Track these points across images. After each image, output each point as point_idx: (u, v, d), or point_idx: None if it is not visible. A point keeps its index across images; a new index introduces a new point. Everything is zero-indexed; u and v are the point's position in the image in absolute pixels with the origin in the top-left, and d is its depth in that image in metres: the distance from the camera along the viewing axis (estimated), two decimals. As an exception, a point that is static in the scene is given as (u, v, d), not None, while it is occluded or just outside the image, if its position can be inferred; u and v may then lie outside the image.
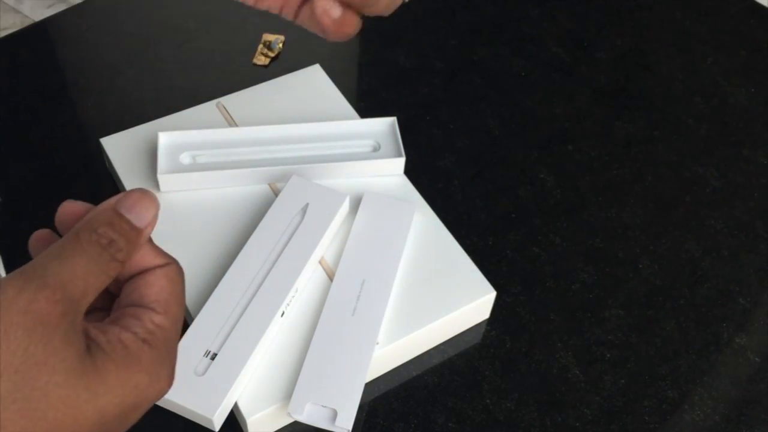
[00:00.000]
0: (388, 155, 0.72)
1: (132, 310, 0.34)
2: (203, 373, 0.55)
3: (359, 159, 0.71)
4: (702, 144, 0.83)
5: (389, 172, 0.72)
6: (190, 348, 0.56)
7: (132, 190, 0.35)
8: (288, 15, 0.41)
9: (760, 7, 0.99)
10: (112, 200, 0.35)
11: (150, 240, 0.36)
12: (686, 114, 0.86)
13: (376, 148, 0.73)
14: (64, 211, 0.37)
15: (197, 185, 0.69)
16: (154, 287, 0.35)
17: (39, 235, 0.38)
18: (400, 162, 0.72)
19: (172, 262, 0.36)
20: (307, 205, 0.66)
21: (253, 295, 0.60)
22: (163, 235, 0.66)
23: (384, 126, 0.74)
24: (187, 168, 0.70)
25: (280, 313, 0.60)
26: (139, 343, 0.33)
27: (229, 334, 0.57)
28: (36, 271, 0.30)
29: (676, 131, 0.84)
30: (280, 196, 0.67)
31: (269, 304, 0.59)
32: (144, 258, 0.36)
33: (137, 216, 0.34)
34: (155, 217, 0.34)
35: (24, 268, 0.30)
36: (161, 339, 0.34)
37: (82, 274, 0.31)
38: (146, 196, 0.34)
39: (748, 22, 0.97)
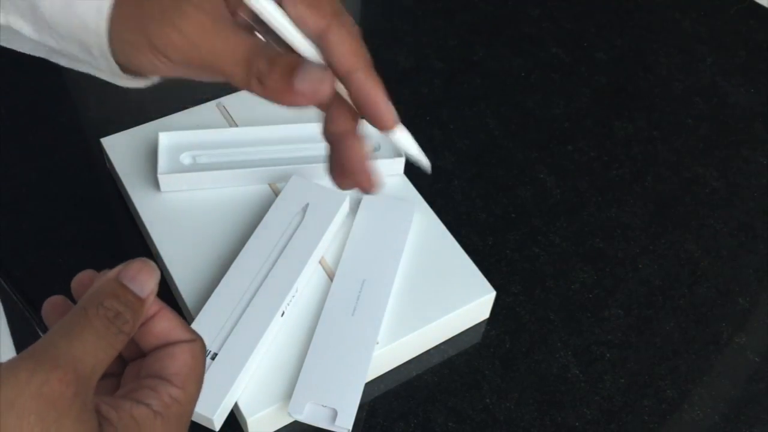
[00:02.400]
0: (388, 155, 0.72)
1: (150, 382, 0.34)
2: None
3: None
4: (702, 144, 0.83)
5: (389, 172, 0.72)
6: None
7: (132, 261, 0.34)
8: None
9: (760, 7, 0.99)
10: (114, 272, 0.34)
11: (176, 315, 0.36)
12: (686, 114, 0.86)
13: (376, 149, 0.73)
14: (79, 281, 0.37)
15: (197, 185, 0.69)
16: (177, 361, 0.35)
17: (52, 301, 0.37)
18: (400, 162, 0.72)
19: (197, 339, 0.36)
20: (307, 205, 0.66)
21: (253, 295, 0.60)
22: (164, 235, 0.67)
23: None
24: (188, 168, 0.70)
25: (280, 313, 0.60)
26: (151, 416, 0.33)
27: (229, 334, 0.57)
28: (47, 351, 0.30)
29: (675, 131, 0.84)
30: (281, 196, 0.67)
31: (269, 304, 0.59)
32: (171, 331, 0.36)
33: (140, 286, 0.33)
34: (156, 286, 0.34)
35: (34, 348, 0.30)
36: (175, 413, 0.34)
37: (92, 351, 0.31)
38: (147, 266, 0.34)
39: (748, 22, 0.97)
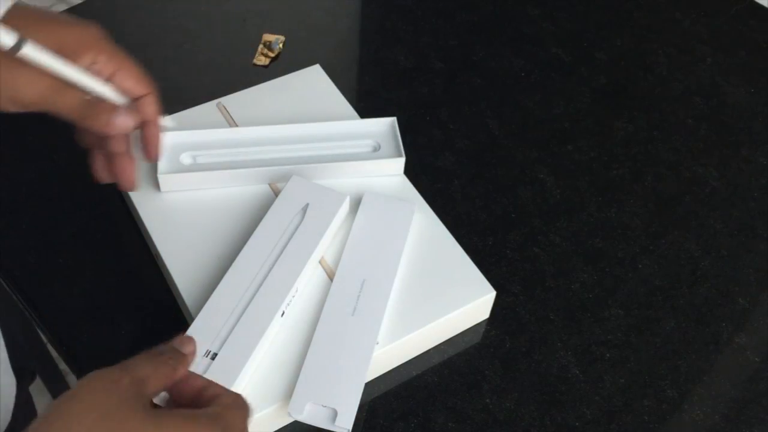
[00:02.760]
0: (388, 155, 0.72)
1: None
2: (204, 373, 0.55)
3: (359, 159, 0.71)
4: (701, 144, 0.83)
5: (389, 172, 0.72)
6: None
7: (181, 336, 0.52)
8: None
9: (760, 7, 0.99)
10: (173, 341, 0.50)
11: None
12: (686, 114, 0.86)
13: (376, 149, 0.73)
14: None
15: (197, 185, 0.69)
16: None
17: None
18: (400, 162, 0.72)
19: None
20: (307, 205, 0.66)
21: (254, 295, 0.60)
22: (164, 235, 0.67)
23: (384, 126, 0.74)
24: (188, 168, 0.70)
25: (280, 313, 0.60)
26: (201, 411, 0.45)
27: (229, 334, 0.57)
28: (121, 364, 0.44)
29: (675, 131, 0.84)
30: (281, 195, 0.67)
31: (269, 304, 0.59)
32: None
33: (181, 344, 0.50)
34: (194, 349, 0.51)
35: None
36: (223, 415, 0.45)
37: (146, 368, 0.44)
38: (188, 338, 0.51)
39: (748, 22, 0.97)
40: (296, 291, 0.62)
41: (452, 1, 0.97)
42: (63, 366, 0.80)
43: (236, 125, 0.75)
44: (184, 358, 0.48)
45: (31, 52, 0.48)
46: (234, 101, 0.77)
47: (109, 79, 0.54)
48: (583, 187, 0.78)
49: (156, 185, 0.69)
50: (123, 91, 0.55)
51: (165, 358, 0.46)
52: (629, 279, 0.71)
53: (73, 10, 0.92)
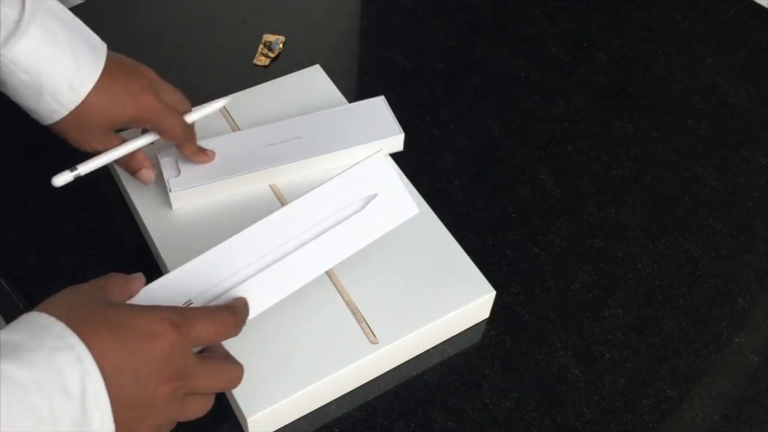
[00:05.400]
0: (386, 134, 0.72)
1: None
2: None
3: (358, 143, 0.71)
4: (701, 144, 0.83)
5: (390, 149, 0.72)
6: (169, 292, 0.54)
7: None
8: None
9: (760, 7, 0.99)
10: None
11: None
12: (686, 114, 0.86)
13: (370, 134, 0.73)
14: None
15: (207, 196, 0.69)
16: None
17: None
18: (400, 139, 0.72)
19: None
20: (374, 196, 0.60)
21: (256, 272, 0.55)
22: (165, 234, 0.67)
23: (375, 105, 0.75)
24: (195, 181, 0.69)
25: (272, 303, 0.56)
26: (164, 309, 0.47)
27: (216, 295, 0.54)
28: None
29: (675, 131, 0.84)
30: (353, 171, 0.60)
31: (270, 291, 0.56)
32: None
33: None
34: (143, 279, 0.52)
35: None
36: (187, 320, 0.46)
37: (102, 281, 0.49)
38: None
39: (748, 23, 0.97)
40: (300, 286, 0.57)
41: (452, 1, 0.97)
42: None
43: (237, 126, 0.75)
44: (128, 277, 0.50)
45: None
46: (234, 101, 0.77)
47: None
48: (583, 187, 0.78)
49: (156, 184, 0.69)
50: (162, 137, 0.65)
51: (123, 275, 0.50)
52: (629, 279, 0.71)
53: (73, 10, 0.92)
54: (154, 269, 0.68)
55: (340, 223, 0.58)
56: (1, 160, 0.77)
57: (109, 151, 0.64)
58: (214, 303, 0.53)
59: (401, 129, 0.73)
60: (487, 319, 0.67)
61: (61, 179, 0.62)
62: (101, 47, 0.61)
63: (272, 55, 0.88)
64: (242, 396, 0.57)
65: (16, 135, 0.79)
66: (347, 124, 0.73)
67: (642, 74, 0.90)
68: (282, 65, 0.86)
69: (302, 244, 0.57)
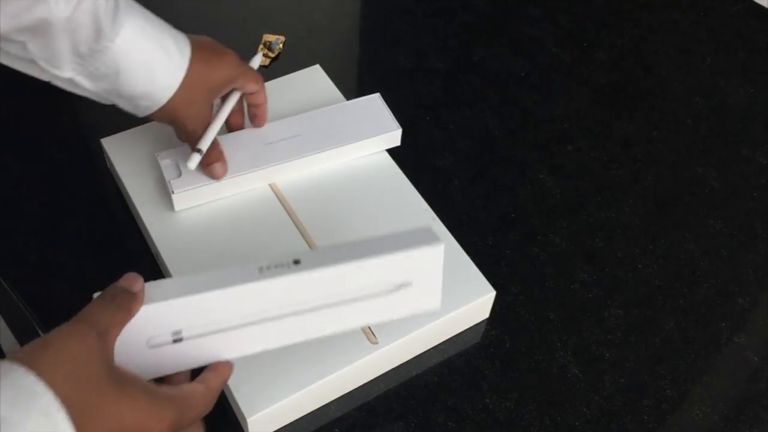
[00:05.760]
0: (384, 130, 0.72)
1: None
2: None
3: (357, 140, 0.71)
4: (701, 144, 0.83)
5: (387, 145, 0.73)
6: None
7: (126, 274, 0.50)
8: None
9: (760, 7, 0.99)
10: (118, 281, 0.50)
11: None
12: (686, 114, 0.86)
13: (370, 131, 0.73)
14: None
15: (208, 197, 0.69)
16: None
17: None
18: (397, 134, 0.72)
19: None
20: (408, 284, 0.54)
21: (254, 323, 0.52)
22: (165, 234, 0.67)
23: (371, 102, 0.75)
24: (195, 181, 0.68)
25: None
26: (203, 390, 0.49)
27: (209, 332, 0.52)
28: (78, 316, 0.46)
29: (675, 131, 0.84)
30: (405, 253, 0.53)
31: (262, 341, 0.53)
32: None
33: (129, 285, 0.49)
34: (143, 286, 0.49)
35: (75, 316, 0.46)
36: (185, 399, 0.48)
37: (102, 316, 0.46)
38: (134, 276, 0.49)
39: (748, 23, 0.97)
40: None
41: (452, 1, 0.97)
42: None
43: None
44: (135, 297, 0.48)
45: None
46: (234, 101, 0.77)
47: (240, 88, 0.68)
48: (583, 187, 0.78)
49: (156, 184, 0.69)
50: (246, 90, 0.68)
51: (118, 301, 0.47)
52: (629, 279, 0.71)
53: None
54: (154, 269, 0.68)
55: (361, 300, 0.54)
56: (1, 160, 0.77)
57: (215, 120, 0.66)
58: (204, 344, 0.51)
59: (398, 125, 0.73)
60: (487, 319, 0.67)
61: (193, 163, 0.65)
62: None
63: (272, 55, 0.87)
64: (242, 396, 0.57)
65: (16, 135, 0.79)
66: (344, 120, 0.73)
67: (642, 74, 0.90)
68: (282, 65, 0.86)
69: (314, 309, 0.53)
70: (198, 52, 0.62)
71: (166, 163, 0.69)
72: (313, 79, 0.80)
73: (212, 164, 0.67)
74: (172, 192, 0.67)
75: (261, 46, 0.88)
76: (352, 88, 0.85)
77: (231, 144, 0.71)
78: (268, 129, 0.72)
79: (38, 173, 0.76)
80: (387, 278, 0.54)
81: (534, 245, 0.73)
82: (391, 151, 0.74)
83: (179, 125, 0.65)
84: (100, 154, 0.75)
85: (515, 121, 0.84)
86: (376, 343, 0.60)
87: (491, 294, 0.65)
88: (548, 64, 0.90)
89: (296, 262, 0.52)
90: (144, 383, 0.45)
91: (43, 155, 0.78)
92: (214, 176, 0.67)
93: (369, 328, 0.61)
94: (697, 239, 0.75)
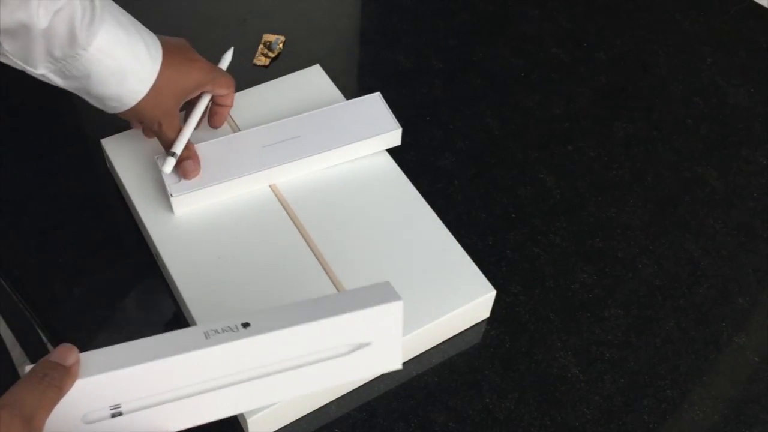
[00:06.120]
0: (384, 130, 0.72)
1: None
2: None
3: (356, 140, 0.71)
4: (701, 144, 0.83)
5: (388, 144, 0.73)
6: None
7: (59, 346, 0.46)
8: None
9: (760, 7, 0.99)
10: (49, 354, 0.46)
11: None
12: (686, 114, 0.86)
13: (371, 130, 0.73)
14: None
15: (207, 199, 0.69)
16: None
17: None
18: (398, 134, 0.72)
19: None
20: (366, 345, 0.52)
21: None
22: (165, 234, 0.67)
23: (371, 102, 0.75)
24: (196, 185, 0.68)
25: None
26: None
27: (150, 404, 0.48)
28: (2, 398, 0.42)
29: (675, 131, 0.84)
30: (362, 313, 0.51)
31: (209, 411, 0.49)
32: None
33: (62, 358, 0.45)
34: (77, 359, 0.45)
35: None
36: None
37: (29, 398, 0.42)
38: (68, 348, 0.45)
39: (748, 23, 0.97)
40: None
41: (452, 1, 0.97)
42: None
43: (236, 125, 0.75)
44: (68, 372, 0.45)
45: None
46: (234, 102, 0.77)
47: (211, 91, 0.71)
48: (583, 187, 0.78)
49: (156, 185, 0.69)
50: (216, 94, 0.71)
51: (48, 380, 0.44)
52: (629, 279, 0.71)
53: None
54: (155, 270, 0.68)
55: (316, 363, 0.51)
56: (1, 161, 0.77)
57: (187, 123, 0.69)
58: (145, 417, 0.48)
59: (398, 124, 0.73)
60: (488, 319, 0.67)
61: (168, 166, 0.67)
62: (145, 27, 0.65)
63: (272, 55, 0.87)
64: (242, 396, 0.57)
65: (16, 135, 0.79)
66: (344, 120, 0.73)
67: (642, 74, 0.90)
68: (282, 65, 0.86)
69: (266, 374, 0.50)
70: (169, 58, 0.64)
71: (165, 166, 0.68)
72: (313, 79, 0.80)
73: (183, 161, 0.68)
74: (171, 195, 0.67)
75: (261, 46, 0.88)
76: (352, 88, 0.85)
77: (230, 146, 0.71)
78: (268, 130, 0.72)
79: (38, 173, 0.76)
80: (343, 339, 0.51)
81: (534, 245, 0.73)
82: (391, 151, 0.74)
83: (147, 125, 0.68)
84: (100, 154, 0.75)
85: (515, 121, 0.84)
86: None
87: (491, 294, 0.65)
88: (548, 64, 0.90)
89: (245, 325, 0.49)
90: None
91: (43, 155, 0.78)
92: (186, 174, 0.68)
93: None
94: (697, 239, 0.75)
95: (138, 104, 0.63)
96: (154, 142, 0.72)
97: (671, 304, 0.70)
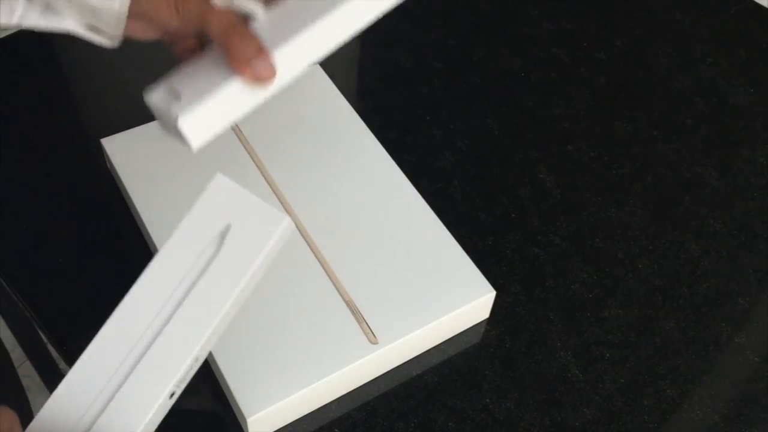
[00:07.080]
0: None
1: None
2: None
3: None
4: (701, 144, 0.83)
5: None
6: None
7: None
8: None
9: (760, 7, 0.99)
10: None
11: None
12: (686, 114, 0.86)
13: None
14: None
15: (223, 113, 0.53)
16: None
17: None
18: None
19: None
20: (228, 227, 0.49)
21: (146, 349, 0.46)
22: (165, 236, 0.67)
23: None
24: (201, 93, 0.54)
25: (167, 393, 0.46)
26: None
27: (110, 399, 0.45)
28: None
29: (675, 131, 0.84)
30: (194, 211, 0.50)
31: (155, 381, 0.46)
32: None
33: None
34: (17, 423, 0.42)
35: None
36: None
37: None
38: (2, 410, 0.42)
39: (748, 22, 0.97)
40: (195, 360, 0.47)
41: (452, 1, 0.97)
42: (63, 366, 0.80)
43: (236, 125, 0.75)
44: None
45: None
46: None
47: None
48: (583, 187, 0.78)
49: (156, 185, 0.69)
50: None
51: None
52: (629, 279, 0.71)
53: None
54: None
55: (200, 278, 0.47)
56: (1, 160, 0.77)
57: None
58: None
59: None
60: (487, 319, 0.67)
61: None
62: None
63: (272, 55, 0.87)
64: (242, 396, 0.57)
65: (16, 134, 0.79)
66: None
67: (642, 74, 0.90)
68: (282, 65, 0.86)
69: (166, 322, 0.46)
70: None
71: (158, 96, 0.54)
72: (313, 79, 0.80)
73: (251, 60, 0.51)
74: (177, 117, 0.50)
75: (261, 46, 0.88)
76: (352, 88, 0.85)
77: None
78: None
79: (38, 173, 0.76)
80: (201, 243, 0.49)
81: (534, 245, 0.73)
82: (391, 151, 0.74)
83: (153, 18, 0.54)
84: (100, 154, 0.75)
85: (515, 121, 0.84)
86: (376, 343, 0.60)
87: (491, 294, 0.65)
88: (548, 64, 0.90)
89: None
90: None
91: (43, 155, 0.78)
92: (260, 77, 0.52)
93: (369, 327, 0.61)
94: (696, 239, 0.75)
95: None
96: (155, 142, 0.72)
97: (671, 304, 0.70)
